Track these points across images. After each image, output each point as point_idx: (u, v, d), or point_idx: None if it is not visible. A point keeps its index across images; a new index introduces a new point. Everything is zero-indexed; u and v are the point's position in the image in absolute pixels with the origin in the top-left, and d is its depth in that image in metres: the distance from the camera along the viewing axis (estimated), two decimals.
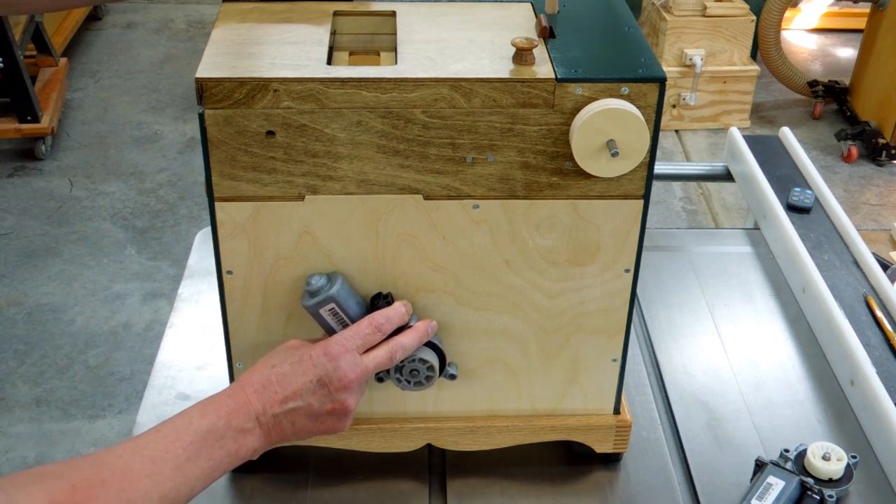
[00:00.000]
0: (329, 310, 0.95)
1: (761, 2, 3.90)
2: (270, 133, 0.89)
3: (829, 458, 1.06)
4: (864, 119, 3.81)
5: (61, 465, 0.77)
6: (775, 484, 1.04)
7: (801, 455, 1.08)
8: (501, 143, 0.91)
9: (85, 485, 0.76)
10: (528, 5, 1.04)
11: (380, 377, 0.99)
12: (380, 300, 0.97)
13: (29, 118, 3.49)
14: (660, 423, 1.19)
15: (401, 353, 0.95)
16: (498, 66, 0.90)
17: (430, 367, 0.99)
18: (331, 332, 0.96)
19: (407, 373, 0.99)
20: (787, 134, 1.70)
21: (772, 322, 1.38)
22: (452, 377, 1.02)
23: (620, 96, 0.89)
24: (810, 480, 1.05)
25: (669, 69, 3.78)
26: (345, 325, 0.95)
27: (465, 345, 1.03)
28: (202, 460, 0.84)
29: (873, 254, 1.43)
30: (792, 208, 1.52)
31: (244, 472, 1.10)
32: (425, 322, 0.98)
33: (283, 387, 0.90)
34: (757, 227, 1.58)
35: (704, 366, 1.29)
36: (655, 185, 2.13)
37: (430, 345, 0.99)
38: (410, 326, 0.97)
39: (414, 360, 0.98)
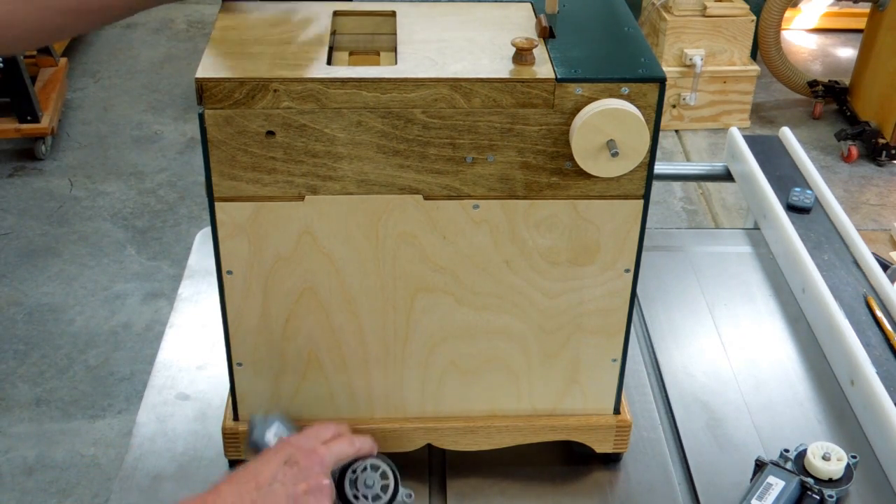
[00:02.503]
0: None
1: (761, 2, 3.90)
2: (270, 133, 0.89)
3: (829, 458, 1.06)
4: (864, 119, 3.81)
5: None
6: (775, 484, 1.04)
7: (801, 455, 1.08)
8: (501, 143, 0.91)
9: None
10: (528, 5, 1.04)
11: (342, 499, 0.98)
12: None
13: (29, 118, 3.49)
14: (660, 423, 1.19)
15: (358, 443, 0.97)
16: (498, 66, 0.90)
17: (384, 474, 0.98)
18: None
19: (361, 484, 0.97)
20: (787, 134, 1.70)
21: (772, 322, 1.38)
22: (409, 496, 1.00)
23: (620, 96, 0.89)
24: (810, 480, 1.05)
25: (669, 69, 3.78)
26: None
27: (465, 345, 1.03)
28: None
29: (873, 254, 1.43)
30: (792, 208, 1.52)
31: None
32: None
33: (254, 476, 0.89)
34: (757, 227, 1.58)
35: (704, 366, 1.29)
36: (655, 185, 2.13)
37: (386, 462, 0.99)
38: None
39: (366, 470, 0.98)
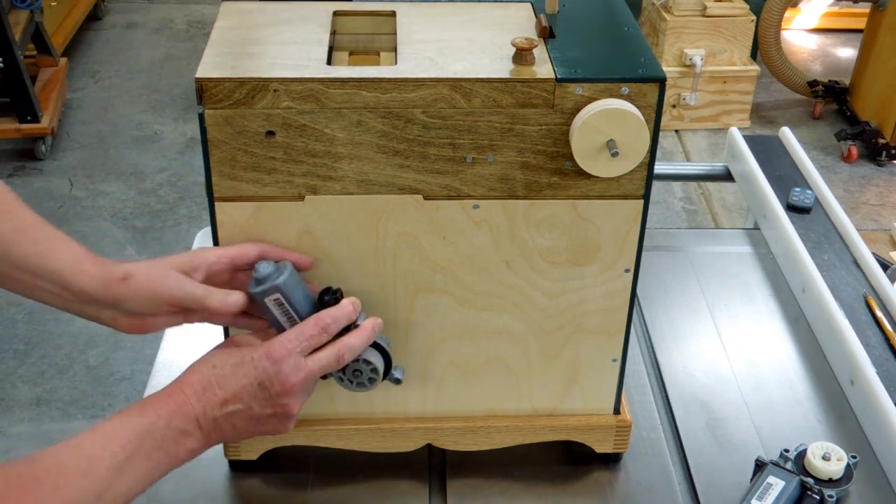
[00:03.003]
0: (274, 300, 0.91)
1: (761, 2, 3.90)
2: (270, 133, 0.89)
3: (829, 458, 1.06)
4: (864, 119, 3.81)
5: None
6: (775, 484, 1.04)
7: (801, 455, 1.08)
8: (501, 143, 0.91)
9: (18, 480, 0.75)
10: (528, 5, 1.04)
11: (323, 375, 0.95)
12: (328, 295, 0.94)
13: (29, 118, 3.49)
14: (660, 423, 1.19)
15: (349, 355, 0.92)
16: (498, 66, 0.90)
17: (374, 370, 0.96)
18: (276, 323, 0.93)
19: (350, 373, 0.96)
20: (787, 134, 1.70)
21: (772, 322, 1.38)
22: (397, 381, 0.99)
23: (620, 96, 0.89)
24: (810, 480, 1.05)
25: (669, 69, 3.78)
26: (290, 318, 0.92)
27: (465, 345, 1.03)
28: (140, 459, 0.82)
29: (873, 254, 1.43)
30: (792, 208, 1.52)
31: (244, 472, 1.11)
32: (372, 320, 0.95)
33: (224, 389, 0.87)
34: (757, 227, 1.58)
35: (704, 366, 1.29)
36: (655, 185, 2.13)
37: (376, 346, 0.96)
38: (357, 326, 0.94)
39: (358, 361, 0.95)
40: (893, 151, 3.69)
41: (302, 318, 0.92)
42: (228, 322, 0.97)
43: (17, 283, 0.94)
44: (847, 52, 4.64)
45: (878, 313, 1.31)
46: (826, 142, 3.89)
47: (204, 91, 0.87)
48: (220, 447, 1.08)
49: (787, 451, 1.09)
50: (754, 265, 1.50)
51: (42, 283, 0.93)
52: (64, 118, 3.87)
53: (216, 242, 0.95)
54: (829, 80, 4.05)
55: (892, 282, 1.38)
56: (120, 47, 4.57)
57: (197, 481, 1.10)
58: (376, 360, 0.96)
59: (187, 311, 0.94)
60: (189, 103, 4.04)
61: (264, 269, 0.91)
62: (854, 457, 1.09)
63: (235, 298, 0.91)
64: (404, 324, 1.01)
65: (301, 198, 0.93)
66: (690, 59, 3.77)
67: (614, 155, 0.89)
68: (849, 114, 3.94)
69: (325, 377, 0.96)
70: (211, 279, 0.93)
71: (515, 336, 1.03)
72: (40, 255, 0.92)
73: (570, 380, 1.06)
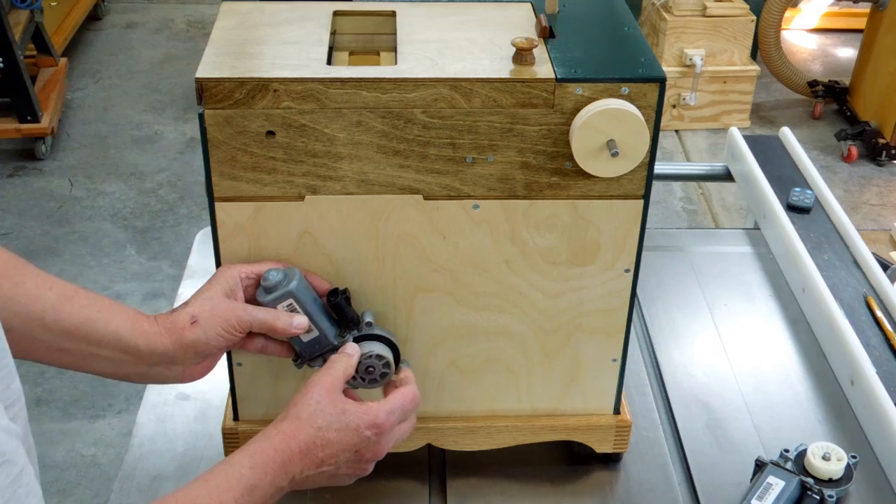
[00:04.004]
0: (287, 306, 0.93)
1: (761, 2, 3.90)
2: (270, 133, 0.89)
3: (829, 458, 1.06)
4: (864, 119, 3.81)
5: None
6: (775, 484, 1.04)
7: (801, 455, 1.08)
8: (501, 143, 0.91)
9: None
10: (528, 5, 1.04)
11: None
12: (336, 296, 0.96)
13: (29, 118, 3.49)
14: (660, 423, 1.19)
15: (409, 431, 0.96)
16: (498, 66, 0.90)
17: (387, 364, 0.97)
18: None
19: (363, 370, 0.96)
20: (787, 134, 1.70)
21: (772, 322, 1.38)
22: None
23: (620, 96, 0.89)
24: (810, 480, 1.05)
25: (669, 69, 3.78)
26: None
27: (465, 345, 1.03)
28: None
29: (873, 254, 1.43)
30: (792, 208, 1.52)
31: None
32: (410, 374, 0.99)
33: (324, 452, 0.88)
34: (757, 227, 1.58)
35: (704, 366, 1.29)
36: (655, 185, 2.13)
37: (384, 339, 0.97)
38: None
39: (370, 357, 0.96)
40: (893, 151, 3.69)
41: (314, 322, 0.94)
42: (275, 351, 0.97)
43: (67, 355, 0.89)
44: (847, 52, 4.64)
45: (878, 313, 1.31)
46: (826, 142, 3.89)
47: (204, 91, 0.87)
48: (219, 447, 1.09)
49: (787, 451, 1.09)
50: (754, 265, 1.50)
51: (100, 350, 0.89)
52: (64, 118, 3.87)
53: (216, 242, 0.95)
54: (829, 80, 4.05)
55: (892, 282, 1.38)
56: (120, 47, 4.57)
57: None
58: (387, 353, 0.97)
59: (247, 339, 0.95)
60: (189, 103, 4.04)
61: (274, 276, 0.93)
62: (854, 457, 1.08)
63: (300, 321, 0.93)
64: (404, 324, 1.01)
65: (301, 198, 0.93)
66: (690, 59, 3.77)
67: (614, 155, 0.89)
68: (849, 114, 3.94)
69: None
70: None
71: (515, 336, 1.03)
72: (93, 321, 0.89)
73: (570, 380, 1.06)
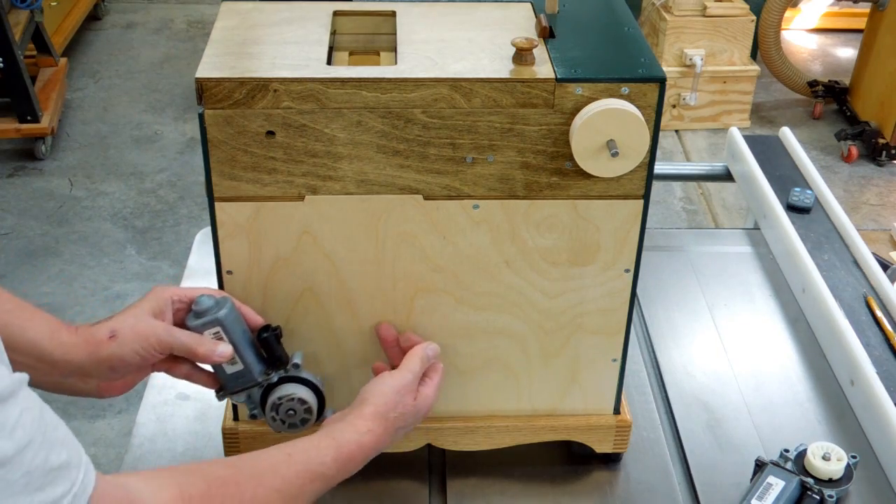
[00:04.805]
0: (214, 333, 0.92)
1: (761, 2, 3.90)
2: (270, 133, 0.89)
3: (829, 458, 1.06)
4: (864, 119, 3.81)
5: (191, 463, 0.76)
6: (775, 484, 1.04)
7: (801, 455, 1.08)
8: (501, 143, 0.91)
9: (219, 482, 0.77)
10: (528, 5, 1.04)
11: (253, 414, 0.97)
12: (267, 332, 0.95)
13: (29, 118, 3.49)
14: (660, 423, 1.19)
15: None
16: (498, 66, 0.90)
17: (308, 409, 0.96)
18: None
19: (283, 413, 0.96)
20: (787, 134, 1.70)
21: (772, 322, 1.38)
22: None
23: (620, 96, 0.89)
24: (810, 480, 1.05)
25: (669, 69, 3.78)
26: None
27: (465, 345, 1.03)
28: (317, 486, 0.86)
29: (873, 254, 1.43)
30: (792, 208, 1.52)
31: None
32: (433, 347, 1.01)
33: (395, 424, 0.94)
34: (757, 227, 1.58)
35: (704, 366, 1.29)
36: (655, 185, 2.14)
37: (310, 384, 0.97)
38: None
39: (292, 400, 0.95)
40: (893, 151, 3.69)
41: (239, 354, 0.94)
42: (200, 380, 0.97)
43: None
44: (847, 52, 4.64)
45: (878, 313, 1.31)
46: (826, 142, 3.89)
47: (204, 91, 0.87)
48: (219, 447, 1.09)
49: (787, 451, 1.09)
50: (754, 265, 1.50)
51: (14, 355, 0.86)
52: (64, 118, 3.87)
53: (216, 242, 0.95)
54: (829, 80, 4.05)
55: (892, 282, 1.38)
56: (120, 47, 4.57)
57: None
58: (310, 399, 0.96)
59: (169, 362, 0.94)
60: (189, 103, 4.04)
61: (205, 301, 0.92)
62: (854, 457, 1.09)
63: (224, 349, 0.93)
64: (404, 324, 1.01)
65: (301, 198, 0.93)
66: (690, 59, 3.77)
67: (614, 155, 0.89)
68: (849, 114, 3.94)
69: (253, 417, 0.97)
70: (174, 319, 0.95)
71: (515, 336, 1.03)
72: (9, 326, 0.88)
73: (569, 380, 1.06)
